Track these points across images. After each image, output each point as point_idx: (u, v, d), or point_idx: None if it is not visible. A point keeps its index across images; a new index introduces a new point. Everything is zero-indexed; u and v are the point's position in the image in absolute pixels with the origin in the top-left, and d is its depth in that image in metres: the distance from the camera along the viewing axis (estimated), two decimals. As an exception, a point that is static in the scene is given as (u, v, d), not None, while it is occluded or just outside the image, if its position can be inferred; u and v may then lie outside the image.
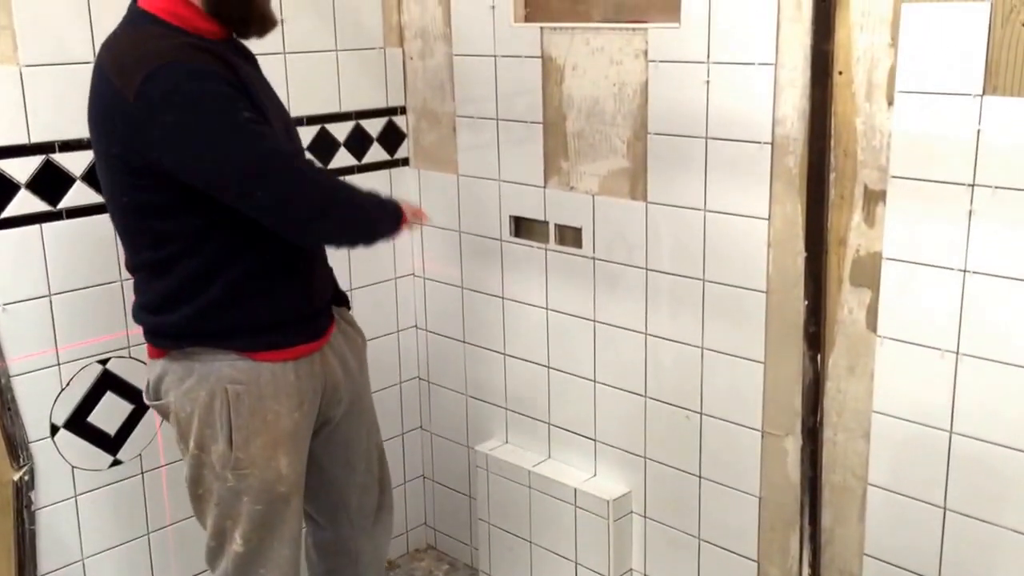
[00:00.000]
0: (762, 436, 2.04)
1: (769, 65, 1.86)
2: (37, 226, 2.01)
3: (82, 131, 2.02)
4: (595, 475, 2.39)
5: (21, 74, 1.95)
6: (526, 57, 2.27)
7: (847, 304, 1.87)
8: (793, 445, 2.00)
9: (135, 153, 1.58)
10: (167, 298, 1.70)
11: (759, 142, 1.91)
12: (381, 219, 1.76)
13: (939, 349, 1.74)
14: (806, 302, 1.90)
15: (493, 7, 2.31)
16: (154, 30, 1.60)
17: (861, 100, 1.77)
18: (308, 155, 2.27)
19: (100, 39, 1.99)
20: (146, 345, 1.79)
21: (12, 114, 1.95)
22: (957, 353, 1.72)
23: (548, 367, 2.43)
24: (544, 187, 2.33)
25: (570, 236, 2.31)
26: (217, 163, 1.55)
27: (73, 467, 2.13)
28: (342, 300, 1.97)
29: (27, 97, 1.96)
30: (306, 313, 1.79)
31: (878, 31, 1.72)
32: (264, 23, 1.70)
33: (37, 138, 1.99)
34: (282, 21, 2.31)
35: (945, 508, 1.79)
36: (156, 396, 1.79)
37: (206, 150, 1.54)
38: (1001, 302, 1.66)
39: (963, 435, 1.75)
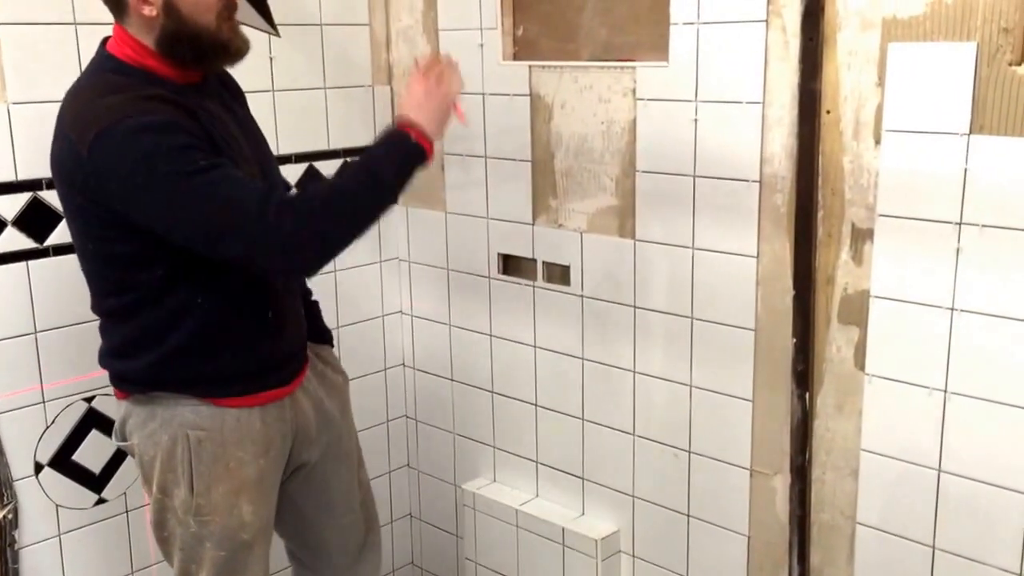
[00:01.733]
0: (751, 475, 2.03)
1: (757, 104, 1.87)
2: (24, 263, 2.01)
3: None
4: (583, 514, 2.36)
5: (9, 111, 1.95)
6: (514, 95, 2.28)
7: (835, 342, 1.86)
8: (782, 484, 1.99)
9: (99, 205, 1.56)
10: (130, 344, 1.69)
11: (747, 180, 1.92)
12: (383, 189, 1.59)
13: (927, 387, 1.74)
14: (794, 340, 1.90)
15: (482, 45, 2.32)
16: (114, 80, 1.58)
17: (848, 139, 1.78)
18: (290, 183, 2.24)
19: None
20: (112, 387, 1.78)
21: None
22: (945, 391, 1.72)
23: (536, 405, 2.41)
24: (532, 224, 2.33)
25: (558, 274, 2.31)
26: (178, 220, 1.52)
27: (57, 506, 2.11)
28: (324, 337, 1.95)
29: (14, 134, 1.96)
30: (273, 361, 1.76)
31: (865, 70, 1.74)
32: (225, 53, 1.63)
33: (24, 175, 1.99)
34: (271, 59, 2.32)
35: (934, 547, 1.78)
36: (122, 437, 1.77)
37: (165, 208, 1.51)
38: (989, 340, 1.65)
39: (952, 474, 1.74)
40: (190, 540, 1.73)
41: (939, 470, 1.75)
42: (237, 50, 1.65)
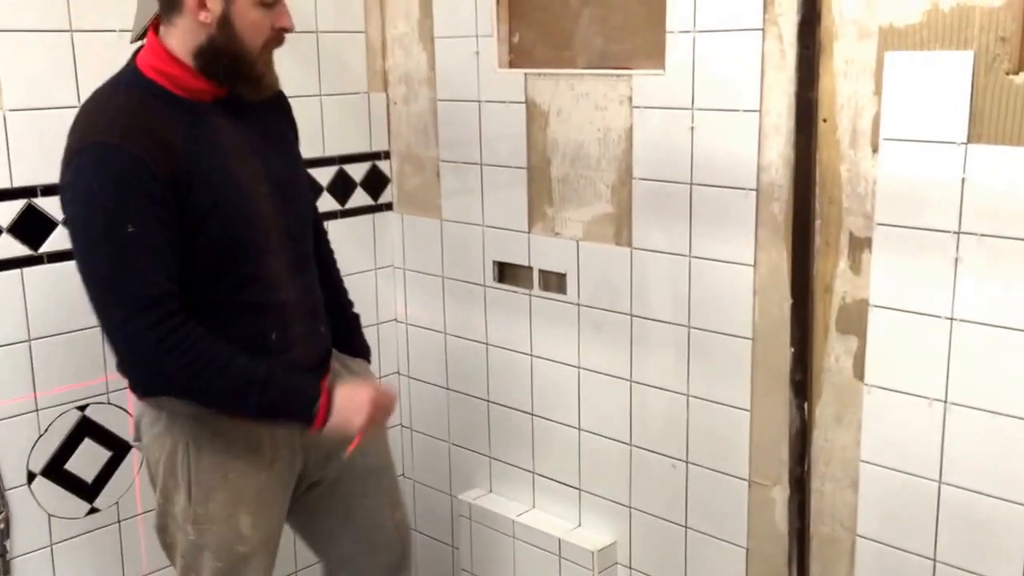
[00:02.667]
0: (749, 486, 2.01)
1: (754, 112, 1.86)
2: (18, 270, 2.00)
3: None
4: (580, 525, 2.35)
5: (4, 118, 1.95)
6: (511, 102, 2.27)
7: (834, 352, 1.85)
8: (780, 495, 1.97)
9: None
10: None
11: (744, 188, 1.90)
12: (246, 406, 1.60)
13: (927, 398, 1.72)
14: (792, 350, 1.89)
15: (478, 53, 2.31)
16: (122, 94, 1.58)
17: (846, 147, 1.77)
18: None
19: (84, 84, 2.04)
20: None
21: (-6, 158, 1.94)
22: (945, 402, 1.70)
23: (532, 414, 2.40)
24: (528, 232, 2.31)
25: (554, 282, 2.30)
26: (79, 263, 1.54)
27: (50, 515, 2.10)
28: (361, 353, 1.94)
29: (10, 141, 1.96)
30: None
31: (862, 79, 1.73)
32: (255, 84, 1.64)
33: (19, 182, 1.98)
34: (266, 65, 2.31)
35: (935, 560, 1.76)
36: (137, 436, 1.79)
37: (74, 246, 1.55)
38: (989, 350, 1.64)
39: (952, 485, 1.72)
40: (190, 548, 1.72)
41: (940, 481, 1.74)
42: (266, 85, 1.66)
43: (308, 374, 1.69)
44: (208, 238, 1.58)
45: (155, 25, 1.61)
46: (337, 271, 2.00)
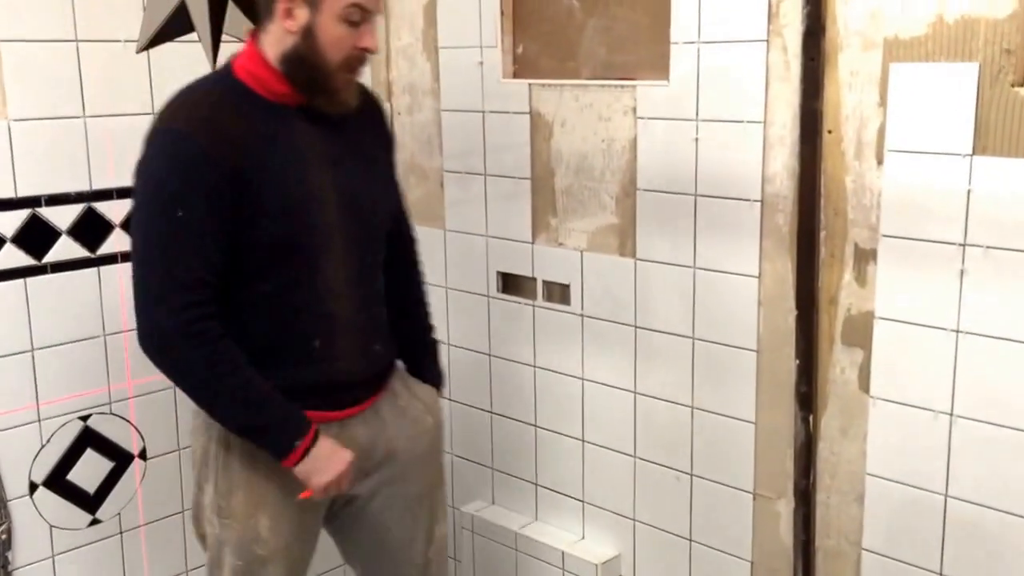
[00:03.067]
0: (754, 498, 2.00)
1: (758, 123, 1.86)
2: (21, 280, 2.00)
3: (69, 185, 2.05)
4: (583, 537, 2.34)
5: (9, 128, 1.95)
6: (515, 113, 2.27)
7: (839, 364, 1.84)
8: (785, 508, 1.96)
9: None
10: None
11: (749, 200, 1.90)
12: (232, 417, 1.66)
13: (933, 411, 1.71)
14: (797, 361, 1.88)
15: (482, 63, 2.31)
16: (207, 88, 1.67)
17: (851, 158, 1.76)
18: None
19: (89, 95, 2.05)
20: None
21: (-1, 168, 1.95)
22: (951, 415, 1.69)
23: (535, 426, 2.39)
24: (532, 243, 2.31)
25: (558, 292, 2.29)
26: (132, 244, 1.63)
27: (52, 526, 2.09)
28: (430, 379, 1.93)
29: (15, 151, 1.96)
30: (317, 387, 1.72)
31: (867, 90, 1.72)
32: (330, 97, 1.67)
33: (24, 192, 1.99)
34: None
35: (941, 574, 1.75)
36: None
37: (133, 226, 1.64)
38: (995, 363, 1.63)
39: (959, 499, 1.71)
40: (214, 541, 1.75)
41: (945, 495, 1.72)
42: (341, 101, 1.69)
43: (297, 409, 1.68)
44: (263, 234, 1.62)
45: (254, 31, 1.69)
46: (421, 292, 2.01)
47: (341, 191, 1.71)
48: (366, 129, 1.82)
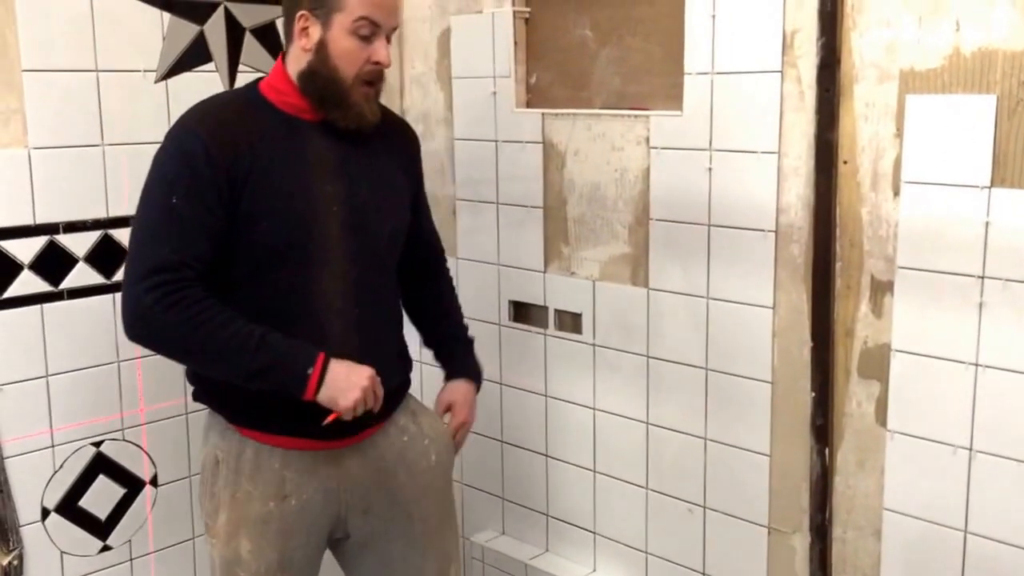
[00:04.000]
0: (768, 533, 1.98)
1: (772, 154, 1.85)
2: (38, 306, 2.01)
3: (86, 212, 2.06)
4: (595, 570, 2.31)
5: (29, 156, 1.97)
6: (527, 142, 2.27)
7: (855, 396, 1.82)
8: (801, 543, 1.93)
9: None
10: None
11: (763, 230, 1.89)
12: (234, 367, 1.60)
13: (952, 445, 1.69)
14: (813, 394, 1.86)
15: (495, 93, 2.31)
16: (227, 98, 1.79)
17: (867, 190, 1.75)
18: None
19: (108, 123, 2.08)
20: None
21: (18, 195, 1.97)
22: (971, 450, 1.67)
23: (546, 456, 2.37)
24: (544, 272, 2.30)
25: (570, 322, 2.28)
26: (132, 222, 1.66)
27: (62, 552, 2.09)
28: (470, 373, 1.96)
29: (34, 179, 1.98)
30: (307, 413, 1.66)
31: (883, 121, 1.72)
32: (347, 114, 1.68)
33: (42, 219, 2.00)
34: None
35: (960, 611, 1.73)
36: None
37: (136, 209, 1.66)
38: (1015, 397, 1.61)
39: (978, 535, 1.69)
40: (211, 557, 1.78)
41: (965, 531, 1.70)
42: (357, 115, 1.69)
43: (307, 343, 1.65)
44: (259, 238, 1.64)
45: (282, 53, 1.75)
46: (453, 297, 2.03)
47: (350, 206, 1.71)
48: (392, 153, 1.82)
